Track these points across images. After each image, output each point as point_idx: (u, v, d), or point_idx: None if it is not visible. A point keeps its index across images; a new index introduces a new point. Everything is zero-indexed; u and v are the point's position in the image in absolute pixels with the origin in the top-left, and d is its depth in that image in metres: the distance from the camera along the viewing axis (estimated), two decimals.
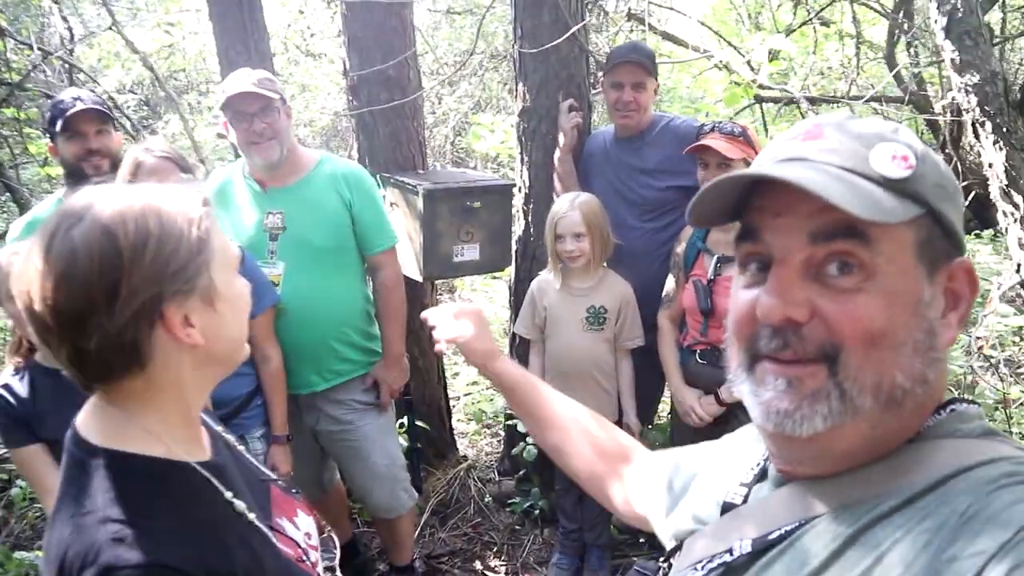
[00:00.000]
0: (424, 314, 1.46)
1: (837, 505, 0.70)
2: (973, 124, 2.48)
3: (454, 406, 4.16)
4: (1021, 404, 3.49)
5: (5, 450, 2.64)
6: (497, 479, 3.82)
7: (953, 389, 3.56)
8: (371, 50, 3.32)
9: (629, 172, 3.00)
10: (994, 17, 5.66)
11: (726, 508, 0.82)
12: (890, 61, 6.04)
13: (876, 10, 6.10)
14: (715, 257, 2.58)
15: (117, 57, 8.05)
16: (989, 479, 0.64)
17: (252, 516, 1.02)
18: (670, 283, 2.79)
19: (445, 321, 1.39)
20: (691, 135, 2.72)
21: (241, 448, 1.22)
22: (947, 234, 0.71)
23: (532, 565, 3.30)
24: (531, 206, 3.34)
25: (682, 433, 2.83)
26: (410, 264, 3.17)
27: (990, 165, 2.52)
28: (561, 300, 2.89)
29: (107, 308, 0.88)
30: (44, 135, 2.79)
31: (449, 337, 1.37)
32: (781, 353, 0.71)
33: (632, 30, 6.17)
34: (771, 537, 0.73)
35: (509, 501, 3.64)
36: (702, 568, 0.78)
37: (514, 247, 3.42)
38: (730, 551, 0.76)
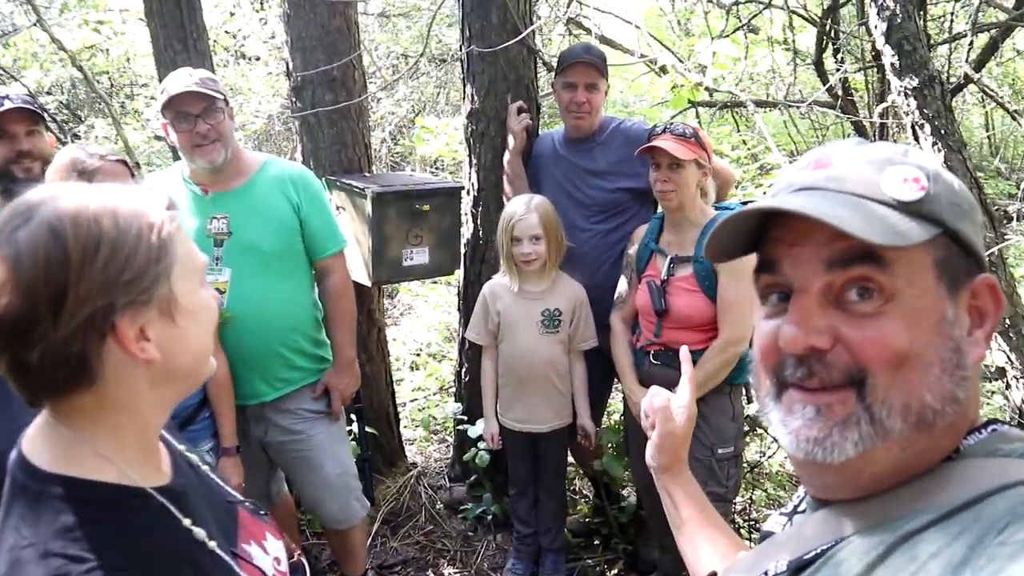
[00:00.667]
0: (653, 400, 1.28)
1: (875, 521, 0.69)
2: (912, 127, 2.56)
3: (401, 412, 4.09)
4: None
5: None
6: (448, 485, 3.77)
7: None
8: (315, 51, 3.25)
9: (579, 174, 3.00)
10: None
11: (765, 537, 0.83)
12: (819, 67, 6.22)
13: (805, 17, 6.28)
14: (668, 257, 2.60)
15: (35, 58, 7.70)
16: None
17: (213, 544, 0.96)
18: (622, 284, 2.80)
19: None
20: (642, 137, 2.73)
21: (206, 468, 1.15)
22: (966, 252, 0.71)
23: (487, 571, 3.27)
24: (480, 209, 3.31)
25: (636, 434, 2.84)
26: (358, 268, 3.11)
27: None
28: (515, 304, 2.87)
29: (52, 317, 0.80)
30: None
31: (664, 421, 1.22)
32: (807, 381, 0.71)
33: (569, 33, 6.21)
34: (806, 557, 0.72)
35: (461, 507, 3.59)
36: None
37: (463, 250, 3.39)
38: (765, 573, 0.75)
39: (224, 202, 2.46)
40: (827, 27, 5.70)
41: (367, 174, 3.42)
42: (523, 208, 2.77)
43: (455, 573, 3.27)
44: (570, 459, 3.32)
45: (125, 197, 0.89)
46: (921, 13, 4.42)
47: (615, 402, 3.72)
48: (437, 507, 3.64)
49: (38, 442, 0.90)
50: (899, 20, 2.50)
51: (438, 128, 4.59)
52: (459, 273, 3.50)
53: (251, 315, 2.44)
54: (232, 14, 7.18)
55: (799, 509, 0.83)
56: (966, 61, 3.75)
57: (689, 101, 4.39)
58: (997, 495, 0.64)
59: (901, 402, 0.68)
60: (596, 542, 3.40)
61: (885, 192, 0.69)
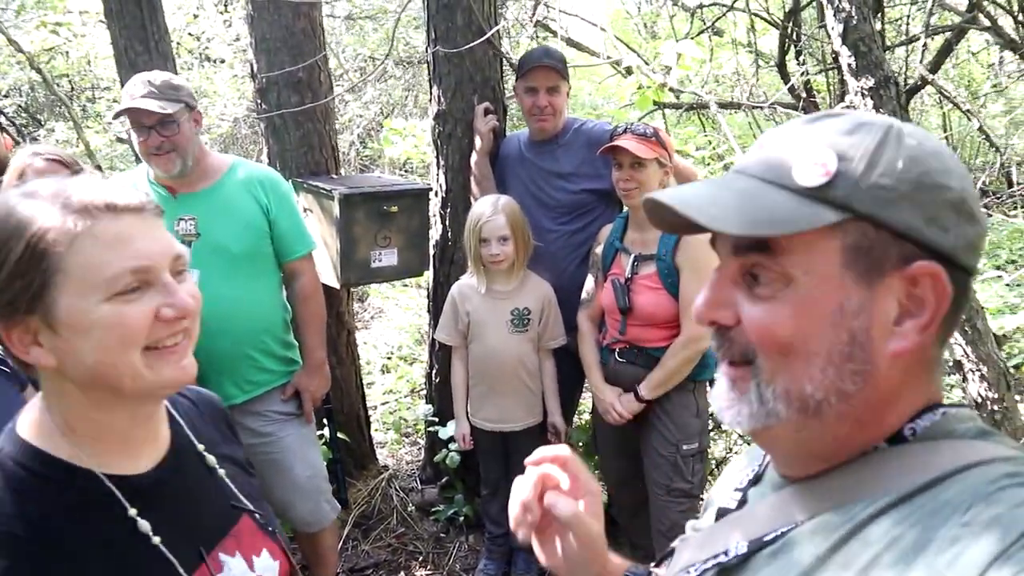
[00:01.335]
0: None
1: (832, 505, 0.70)
2: None
3: (372, 416, 4.08)
4: None
5: None
6: (420, 488, 3.77)
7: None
8: (279, 52, 3.24)
9: (544, 176, 3.02)
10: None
11: (721, 514, 0.83)
12: (781, 69, 6.33)
13: (768, 20, 6.39)
14: (632, 256, 2.63)
15: None
16: (989, 479, 0.63)
17: (157, 540, 0.96)
18: (589, 283, 2.83)
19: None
20: (603, 138, 2.76)
21: (222, 472, 1.13)
22: (900, 236, 0.66)
23: (459, 572, 3.27)
24: (448, 210, 3.32)
25: (604, 432, 2.87)
26: (327, 271, 3.10)
27: None
28: (484, 304, 2.89)
29: None
30: None
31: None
32: (721, 354, 0.75)
33: (536, 36, 6.24)
34: (766, 538, 0.73)
35: (433, 509, 3.59)
36: (695, 571, 0.78)
37: (432, 252, 3.40)
38: (725, 552, 0.76)
39: (192, 203, 2.45)
40: (789, 30, 5.81)
41: (334, 176, 3.41)
42: (490, 209, 2.78)
43: (427, 575, 3.27)
44: None
45: (27, 201, 0.90)
46: (878, 16, 4.53)
47: (585, 401, 3.75)
48: (409, 509, 3.64)
49: (28, 411, 0.98)
50: (855, 22, 2.55)
51: (406, 129, 4.59)
52: (428, 274, 3.51)
53: (220, 317, 2.41)
54: (196, 16, 7.10)
55: (752, 482, 0.84)
56: (921, 63, 3.84)
57: (655, 103, 4.45)
58: (954, 477, 0.64)
59: (783, 388, 0.69)
60: None
61: (793, 177, 0.68)
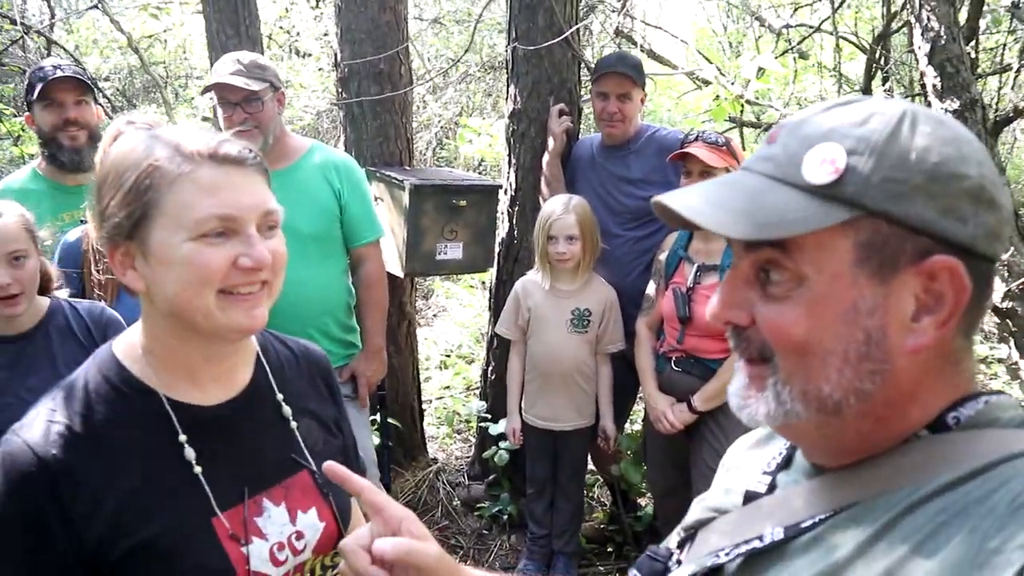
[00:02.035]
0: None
1: (872, 493, 0.68)
2: None
3: (426, 409, 4.13)
4: None
5: None
6: (467, 483, 3.79)
7: None
8: (363, 43, 3.32)
9: (613, 181, 3.02)
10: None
11: (749, 497, 0.81)
12: (866, 94, 6.17)
13: (855, 44, 6.25)
14: (695, 265, 2.60)
15: (95, 44, 7.94)
16: None
17: (199, 470, 1.02)
18: (651, 290, 2.81)
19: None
20: (675, 145, 2.75)
21: (294, 425, 1.15)
22: (916, 231, 0.64)
23: (498, 570, 3.28)
24: (516, 208, 3.35)
25: (654, 441, 2.85)
26: (392, 259, 3.15)
27: None
28: (546, 301, 2.90)
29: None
30: (18, 115, 2.72)
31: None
32: (738, 351, 0.74)
33: (619, 45, 6.24)
34: (804, 525, 0.71)
35: (478, 505, 3.61)
36: (726, 555, 0.76)
37: (497, 249, 3.43)
38: (760, 538, 0.74)
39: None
40: (877, 53, 5.67)
41: (407, 167, 3.48)
42: (561, 208, 2.80)
43: None
44: (590, 465, 3.32)
45: (149, 141, 1.00)
46: (972, 44, 4.38)
47: (636, 411, 3.72)
48: (454, 503, 3.67)
49: (128, 332, 1.10)
50: (943, 42, 2.50)
51: (482, 128, 4.65)
52: (491, 271, 3.54)
53: (285, 296, 2.47)
54: (287, 10, 7.33)
55: (782, 466, 0.81)
56: (1013, 89, 3.70)
57: (733, 120, 4.40)
58: (999, 467, 0.63)
59: (800, 388, 0.68)
60: (609, 550, 3.39)
61: (802, 174, 0.67)
